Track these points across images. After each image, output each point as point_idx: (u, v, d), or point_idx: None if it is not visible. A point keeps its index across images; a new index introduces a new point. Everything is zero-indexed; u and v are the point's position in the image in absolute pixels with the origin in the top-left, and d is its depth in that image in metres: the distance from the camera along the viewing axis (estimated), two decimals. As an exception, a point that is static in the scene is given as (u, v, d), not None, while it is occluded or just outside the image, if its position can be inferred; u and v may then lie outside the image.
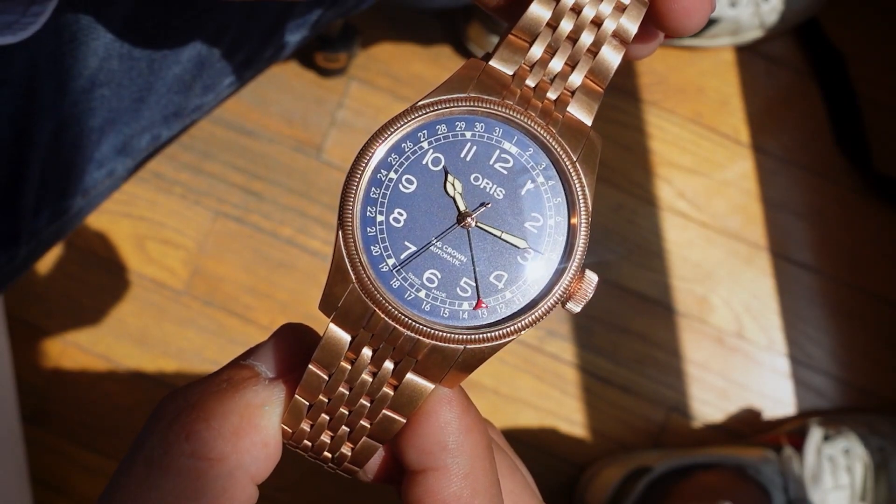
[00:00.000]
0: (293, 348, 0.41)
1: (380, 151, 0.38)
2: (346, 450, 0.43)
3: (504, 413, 1.54)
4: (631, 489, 1.45)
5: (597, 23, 0.41)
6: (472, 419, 0.41)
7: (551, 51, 0.41)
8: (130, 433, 1.56)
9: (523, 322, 0.41)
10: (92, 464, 1.56)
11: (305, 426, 0.42)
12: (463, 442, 0.41)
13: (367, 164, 0.38)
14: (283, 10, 0.80)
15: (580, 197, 0.41)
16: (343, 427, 0.42)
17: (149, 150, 0.80)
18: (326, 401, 0.41)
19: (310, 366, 0.40)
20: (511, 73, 0.40)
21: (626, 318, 1.57)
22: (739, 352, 1.58)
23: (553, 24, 0.40)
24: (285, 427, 0.41)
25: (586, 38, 0.41)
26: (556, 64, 0.41)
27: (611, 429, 1.57)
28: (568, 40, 0.41)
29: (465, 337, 0.40)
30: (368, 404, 0.42)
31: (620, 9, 0.41)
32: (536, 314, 0.41)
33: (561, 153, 0.40)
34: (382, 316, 0.39)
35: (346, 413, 0.42)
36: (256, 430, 0.38)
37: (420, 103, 0.38)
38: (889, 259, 1.59)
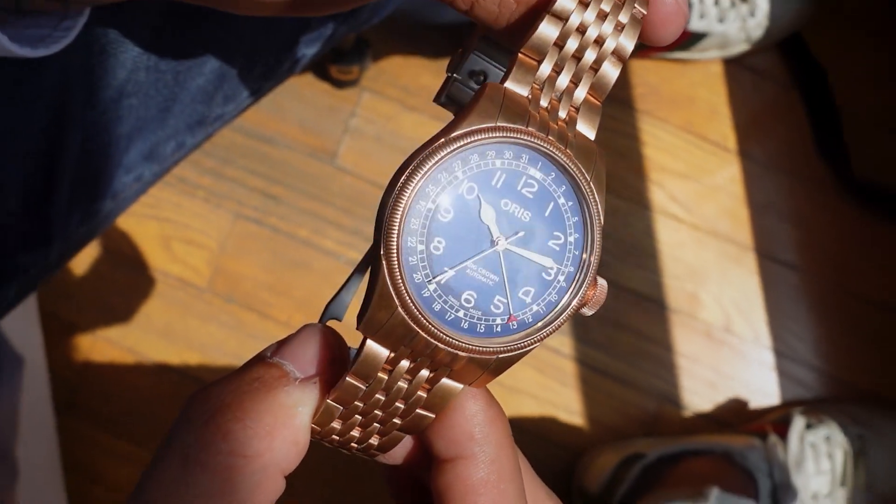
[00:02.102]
0: (321, 350, 0.41)
1: (420, 184, 0.38)
2: (373, 440, 0.43)
3: (507, 403, 1.53)
4: (625, 474, 1.45)
5: (599, 42, 0.41)
6: (495, 411, 0.42)
7: (558, 69, 0.40)
8: (156, 422, 1.56)
9: (547, 331, 0.41)
10: (121, 451, 1.56)
11: (336, 425, 0.42)
12: (488, 432, 0.41)
13: (408, 198, 0.38)
14: (299, 25, 0.79)
15: (595, 214, 0.41)
16: (375, 424, 0.42)
17: (174, 156, 0.80)
18: (361, 405, 0.41)
19: (347, 378, 0.40)
20: (527, 94, 0.40)
21: (622, 314, 1.57)
22: (727, 345, 1.58)
23: (560, 44, 0.40)
24: (315, 426, 0.41)
25: (589, 56, 0.41)
26: (563, 81, 0.41)
27: (607, 417, 1.57)
28: (573, 58, 0.41)
29: (498, 348, 0.40)
30: (402, 406, 0.42)
31: (619, 28, 0.41)
32: (559, 322, 0.42)
33: (579, 175, 0.40)
34: (426, 336, 0.39)
35: (380, 414, 0.42)
36: (289, 429, 0.38)
37: (454, 135, 0.38)
38: (867, 259, 1.59)
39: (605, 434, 1.57)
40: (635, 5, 0.41)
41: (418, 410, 0.42)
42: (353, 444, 0.43)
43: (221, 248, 1.58)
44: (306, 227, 1.57)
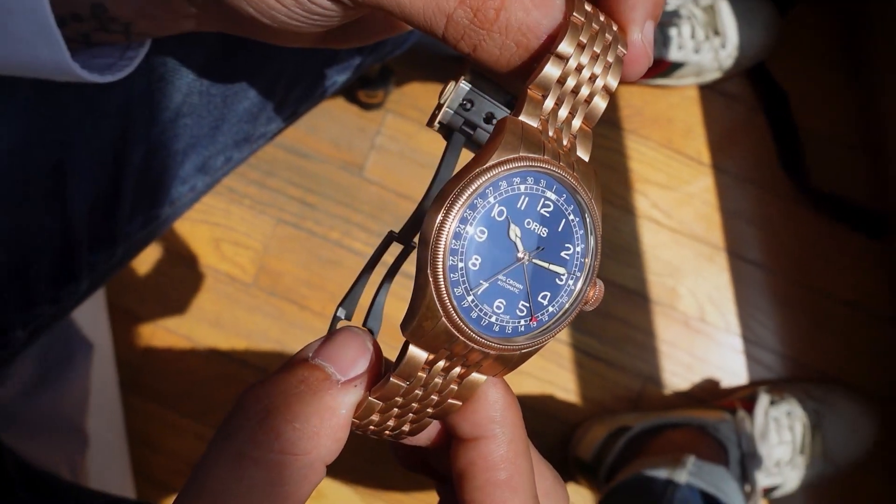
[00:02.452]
0: (357, 352, 0.40)
1: (460, 211, 0.38)
2: (405, 427, 0.43)
3: (512, 383, 1.51)
4: (614, 444, 1.45)
5: (592, 79, 0.41)
6: (511, 398, 0.42)
7: (559, 102, 0.40)
8: (208, 399, 1.56)
9: (560, 328, 0.42)
10: (177, 423, 1.56)
11: (375, 417, 0.41)
12: (506, 415, 0.42)
13: (451, 223, 0.38)
14: (331, 56, 0.79)
15: (597, 227, 0.42)
16: (410, 414, 0.42)
17: (223, 169, 0.80)
18: (400, 401, 0.41)
19: (392, 378, 0.40)
20: (538, 126, 0.40)
21: (611, 305, 1.57)
22: (702, 333, 1.58)
23: (561, 81, 0.40)
24: (355, 419, 0.41)
25: (584, 91, 0.41)
26: (563, 113, 0.41)
27: (598, 395, 1.57)
28: (571, 93, 0.41)
29: (521, 345, 0.41)
30: (437, 398, 0.41)
31: (607, 67, 0.41)
32: (569, 319, 0.43)
33: (585, 197, 0.41)
34: (465, 341, 0.39)
35: (416, 406, 0.42)
36: (333, 428, 0.38)
37: (487, 166, 0.38)
38: (823, 257, 1.58)
39: (596, 409, 1.56)
40: (618, 47, 0.41)
41: (449, 400, 0.42)
42: (386, 432, 0.43)
43: (265, 248, 1.58)
44: (338, 230, 1.57)
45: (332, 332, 0.41)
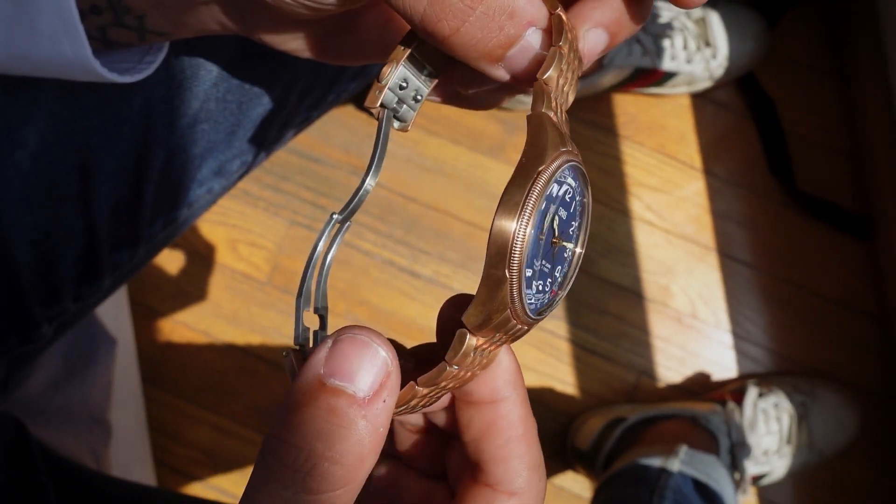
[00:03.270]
0: (373, 363, 0.36)
1: (534, 213, 0.37)
2: (428, 401, 0.42)
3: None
4: (610, 434, 1.44)
5: (571, 72, 0.41)
6: (517, 361, 0.43)
7: (556, 94, 0.40)
8: (225, 391, 1.56)
9: (562, 294, 0.43)
10: (196, 414, 1.55)
11: (412, 401, 0.40)
12: (517, 378, 0.42)
13: (527, 228, 0.37)
14: (341, 66, 0.79)
15: (588, 204, 0.43)
16: (440, 391, 0.41)
17: (239, 172, 0.80)
18: (443, 383, 0.40)
19: (448, 367, 0.38)
20: (553, 117, 0.39)
21: (606, 302, 1.57)
22: (694, 329, 1.57)
23: (558, 74, 0.39)
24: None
25: (565, 86, 0.41)
26: (559, 101, 0.41)
27: (594, 388, 1.56)
28: (560, 86, 0.40)
29: (540, 318, 0.41)
30: (469, 374, 0.41)
31: (578, 62, 0.42)
32: (569, 286, 0.43)
33: (587, 177, 0.42)
34: (523, 326, 0.40)
35: (452, 384, 0.41)
36: (377, 447, 0.36)
37: (546, 165, 0.37)
38: (808, 257, 1.58)
39: (593, 401, 1.56)
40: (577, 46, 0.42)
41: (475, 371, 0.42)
42: (409, 409, 0.42)
43: (279, 248, 1.58)
44: (348, 231, 1.56)
45: (337, 339, 0.36)
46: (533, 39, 0.39)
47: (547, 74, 0.39)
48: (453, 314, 0.41)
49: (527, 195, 0.37)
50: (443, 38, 0.38)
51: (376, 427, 0.35)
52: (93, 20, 0.46)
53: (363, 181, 0.46)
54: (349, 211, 0.47)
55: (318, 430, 0.35)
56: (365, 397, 0.35)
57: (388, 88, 0.45)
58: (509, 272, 0.38)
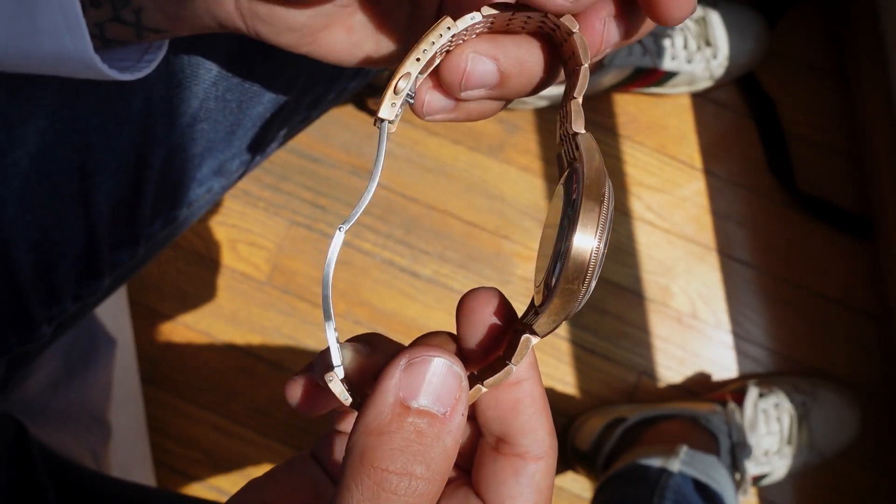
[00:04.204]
0: (453, 382, 0.38)
1: (606, 230, 0.39)
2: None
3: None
4: (610, 434, 1.44)
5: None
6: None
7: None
8: (225, 391, 1.56)
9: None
10: (195, 414, 1.56)
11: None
12: (535, 360, 0.43)
13: (600, 244, 0.38)
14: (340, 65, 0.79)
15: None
16: None
17: (238, 172, 0.79)
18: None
19: (513, 369, 0.40)
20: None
21: (607, 302, 1.57)
22: (694, 329, 1.57)
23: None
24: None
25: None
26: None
27: (595, 388, 1.56)
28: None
29: None
30: None
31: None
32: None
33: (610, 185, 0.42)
34: (563, 322, 0.40)
35: None
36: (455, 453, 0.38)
37: (604, 191, 0.39)
38: (809, 257, 1.58)
39: (593, 402, 1.56)
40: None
41: None
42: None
43: (279, 248, 1.58)
44: (348, 232, 1.56)
45: (411, 362, 0.37)
46: None
47: (585, 65, 0.40)
48: (486, 310, 0.42)
49: (599, 217, 0.38)
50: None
51: (457, 439, 0.37)
52: (92, 14, 0.46)
53: (368, 188, 0.45)
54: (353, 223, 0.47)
55: (413, 453, 0.35)
56: (446, 413, 0.36)
57: (407, 99, 0.44)
58: (584, 286, 0.39)
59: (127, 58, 0.52)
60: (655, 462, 1.30)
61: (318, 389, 0.46)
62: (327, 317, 0.41)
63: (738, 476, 1.38)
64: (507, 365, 0.40)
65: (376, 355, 0.42)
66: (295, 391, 0.46)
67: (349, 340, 0.44)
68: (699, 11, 1.54)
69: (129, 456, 1.39)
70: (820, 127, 1.61)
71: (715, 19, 1.53)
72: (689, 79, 1.55)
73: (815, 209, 1.58)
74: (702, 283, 1.58)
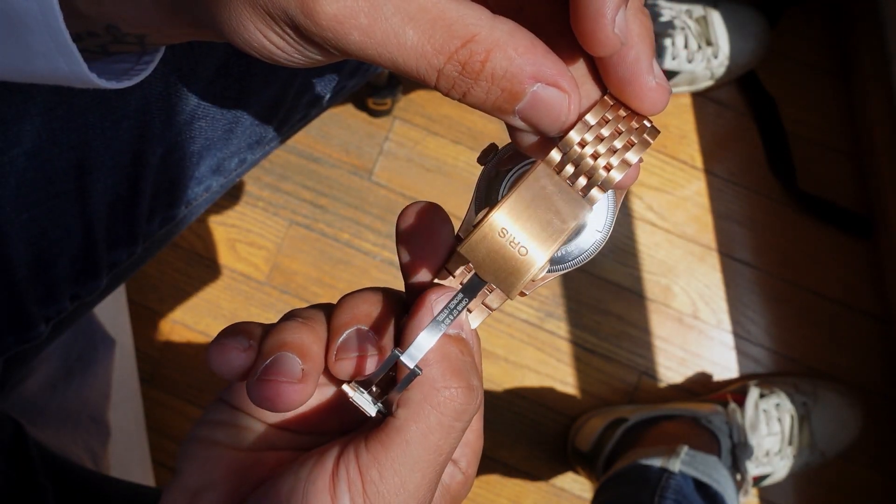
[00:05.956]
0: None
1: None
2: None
3: (512, 376, 1.53)
4: (611, 435, 1.44)
5: (610, 151, 0.42)
6: None
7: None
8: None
9: None
10: (195, 415, 1.56)
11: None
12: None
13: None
14: (340, 62, 0.79)
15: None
16: None
17: (237, 170, 0.79)
18: None
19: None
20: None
21: (607, 302, 1.57)
22: (695, 329, 1.57)
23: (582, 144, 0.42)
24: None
25: (600, 162, 0.42)
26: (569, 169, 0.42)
27: (595, 388, 1.56)
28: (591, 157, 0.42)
29: None
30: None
31: (630, 145, 0.41)
32: None
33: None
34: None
35: None
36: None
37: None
38: (809, 257, 1.58)
39: (594, 402, 1.56)
40: (643, 122, 0.42)
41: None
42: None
43: (278, 248, 1.58)
44: (348, 232, 1.56)
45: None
46: (546, 94, 0.39)
47: (568, 136, 0.40)
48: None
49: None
50: (457, 99, 0.40)
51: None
52: (92, 41, 0.46)
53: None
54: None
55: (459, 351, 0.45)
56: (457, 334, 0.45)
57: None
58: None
59: (124, 61, 0.51)
60: (656, 462, 1.30)
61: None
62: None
63: (738, 476, 1.37)
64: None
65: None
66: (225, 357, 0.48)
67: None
68: (700, 10, 1.53)
69: (128, 456, 1.38)
70: (820, 126, 1.61)
71: (716, 19, 1.53)
72: (689, 78, 1.55)
73: (816, 209, 1.57)
74: (703, 283, 1.58)
